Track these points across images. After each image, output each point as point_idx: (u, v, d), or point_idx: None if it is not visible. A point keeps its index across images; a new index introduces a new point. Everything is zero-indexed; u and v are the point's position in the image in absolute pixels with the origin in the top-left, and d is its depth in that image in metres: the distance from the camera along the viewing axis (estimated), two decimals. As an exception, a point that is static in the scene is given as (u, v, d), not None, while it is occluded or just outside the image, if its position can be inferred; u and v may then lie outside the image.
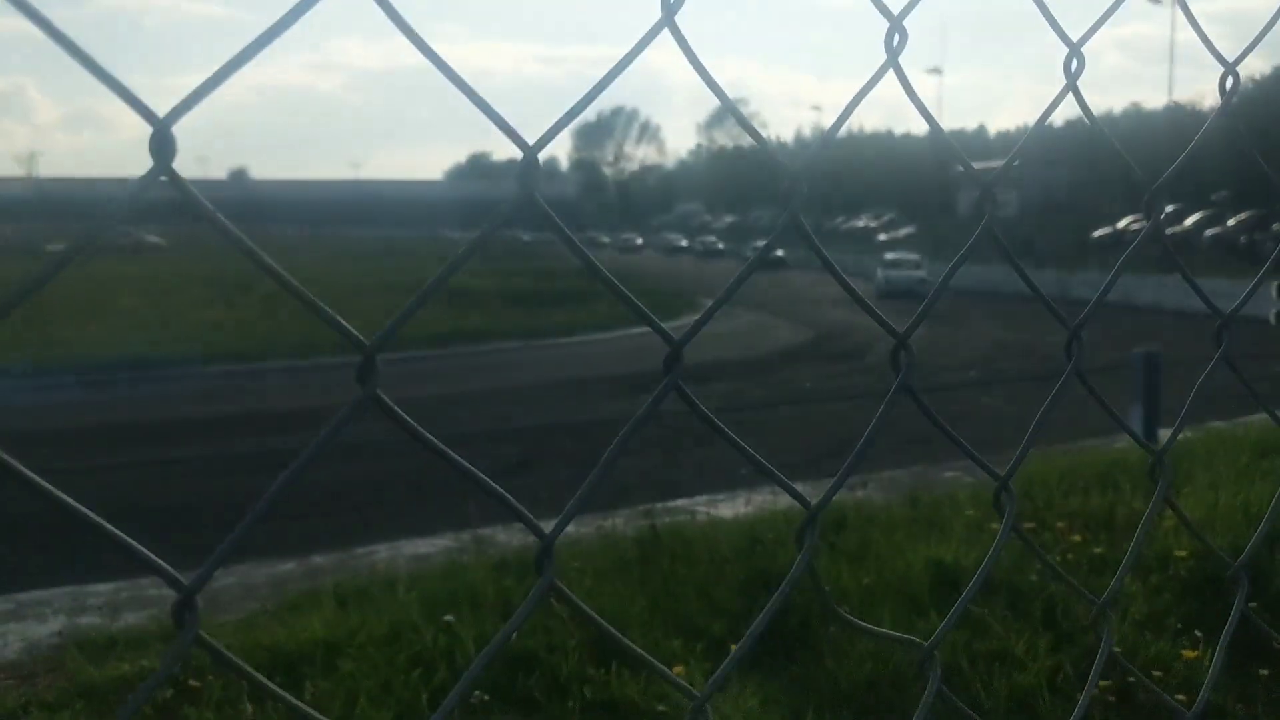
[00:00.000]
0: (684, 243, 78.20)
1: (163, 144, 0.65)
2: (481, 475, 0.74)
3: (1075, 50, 1.20)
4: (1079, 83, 1.19)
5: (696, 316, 0.90)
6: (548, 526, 0.82)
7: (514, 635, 4.64)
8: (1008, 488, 1.14)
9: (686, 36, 0.79)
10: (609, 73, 0.77)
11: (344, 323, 0.73)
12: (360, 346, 0.73)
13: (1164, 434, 8.79)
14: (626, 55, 0.78)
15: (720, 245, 70.59)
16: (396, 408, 0.72)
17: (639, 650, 0.91)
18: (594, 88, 0.76)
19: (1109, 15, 1.24)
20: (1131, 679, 4.72)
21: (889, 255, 47.14)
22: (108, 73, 0.63)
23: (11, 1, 0.58)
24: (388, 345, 0.72)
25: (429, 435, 0.71)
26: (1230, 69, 1.42)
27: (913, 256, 44.93)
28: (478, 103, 0.71)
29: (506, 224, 0.80)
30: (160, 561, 0.72)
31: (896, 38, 1.10)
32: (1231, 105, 1.47)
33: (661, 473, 9.81)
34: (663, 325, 0.82)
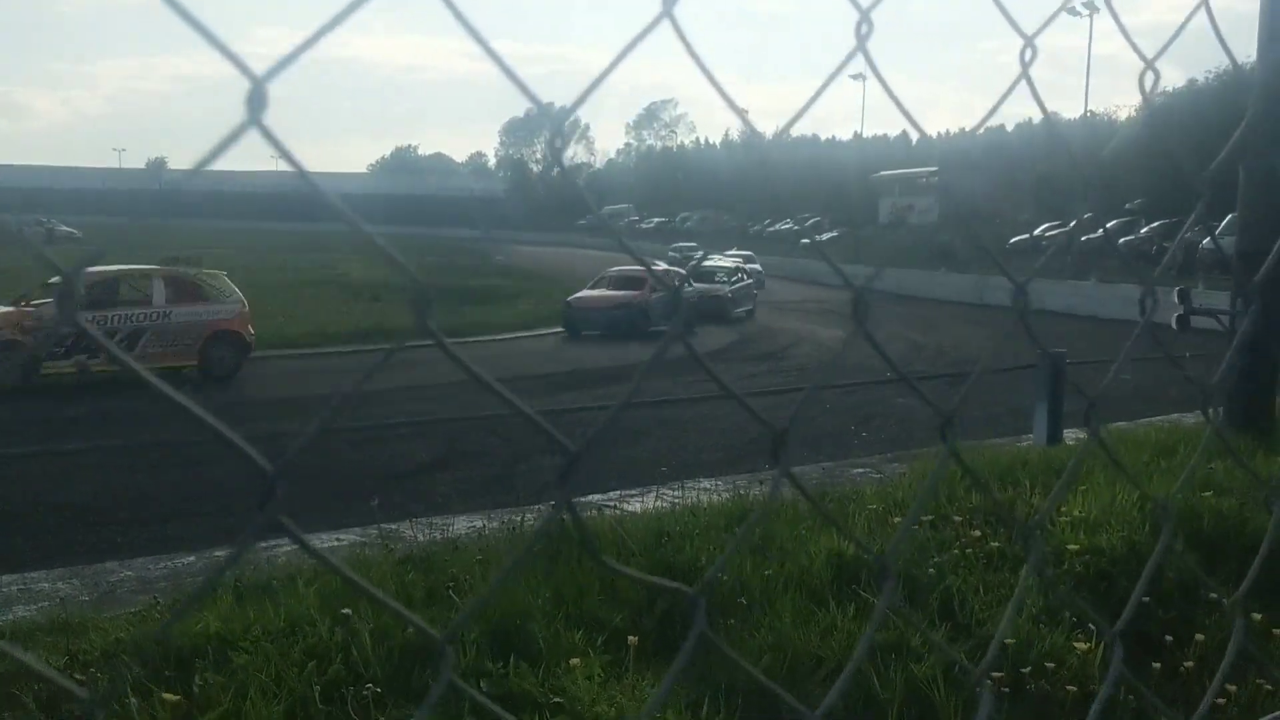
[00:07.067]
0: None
1: (257, 100, 0.73)
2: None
3: (1030, 42, 1.22)
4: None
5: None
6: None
7: (406, 627, 4.59)
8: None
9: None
10: (615, 59, 0.77)
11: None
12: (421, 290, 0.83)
13: (1069, 435, 8.95)
14: (626, 46, 0.80)
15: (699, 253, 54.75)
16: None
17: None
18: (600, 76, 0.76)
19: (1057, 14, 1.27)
20: (1025, 669, 4.83)
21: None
22: (208, 29, 0.72)
23: None
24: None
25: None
26: (1149, 65, 1.44)
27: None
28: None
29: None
30: (249, 447, 0.77)
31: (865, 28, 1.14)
32: (1154, 103, 1.50)
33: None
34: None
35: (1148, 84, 1.35)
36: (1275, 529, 1.37)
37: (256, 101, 0.72)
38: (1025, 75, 1.20)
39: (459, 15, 0.84)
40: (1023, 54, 1.20)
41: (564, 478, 0.89)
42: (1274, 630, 5.08)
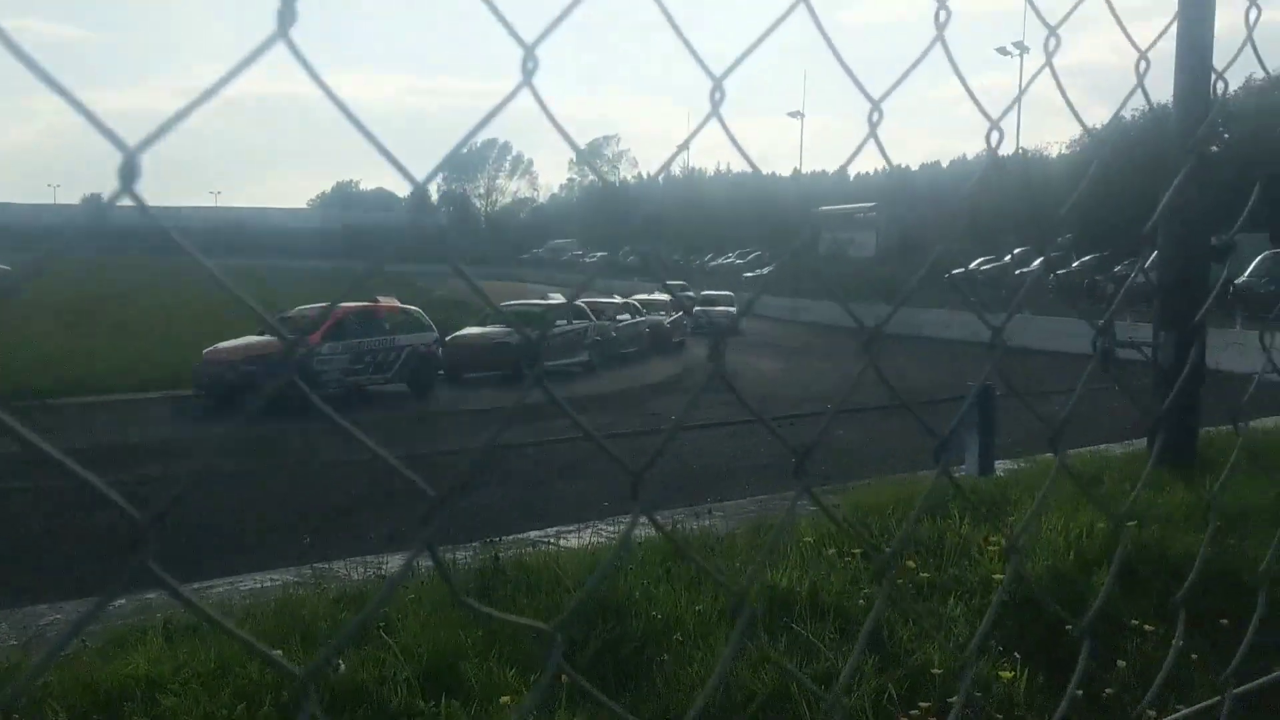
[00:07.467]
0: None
1: (128, 171, 0.77)
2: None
3: (876, 106, 1.29)
4: (879, 132, 1.29)
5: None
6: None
7: (342, 668, 4.58)
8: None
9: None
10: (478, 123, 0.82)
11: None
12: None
13: (1001, 465, 9.10)
14: (488, 114, 0.83)
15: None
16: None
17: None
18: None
19: (909, 73, 1.34)
20: (952, 699, 4.91)
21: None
22: (77, 99, 0.76)
23: None
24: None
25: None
26: (994, 125, 1.53)
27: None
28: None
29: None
30: (119, 497, 0.82)
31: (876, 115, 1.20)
32: (998, 158, 1.59)
33: (518, 508, 9.80)
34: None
35: (993, 141, 1.45)
36: (1123, 546, 1.45)
37: (127, 172, 0.75)
38: (873, 134, 1.28)
39: (306, 65, 0.88)
40: (870, 116, 1.27)
41: (426, 520, 0.94)
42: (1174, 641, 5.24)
